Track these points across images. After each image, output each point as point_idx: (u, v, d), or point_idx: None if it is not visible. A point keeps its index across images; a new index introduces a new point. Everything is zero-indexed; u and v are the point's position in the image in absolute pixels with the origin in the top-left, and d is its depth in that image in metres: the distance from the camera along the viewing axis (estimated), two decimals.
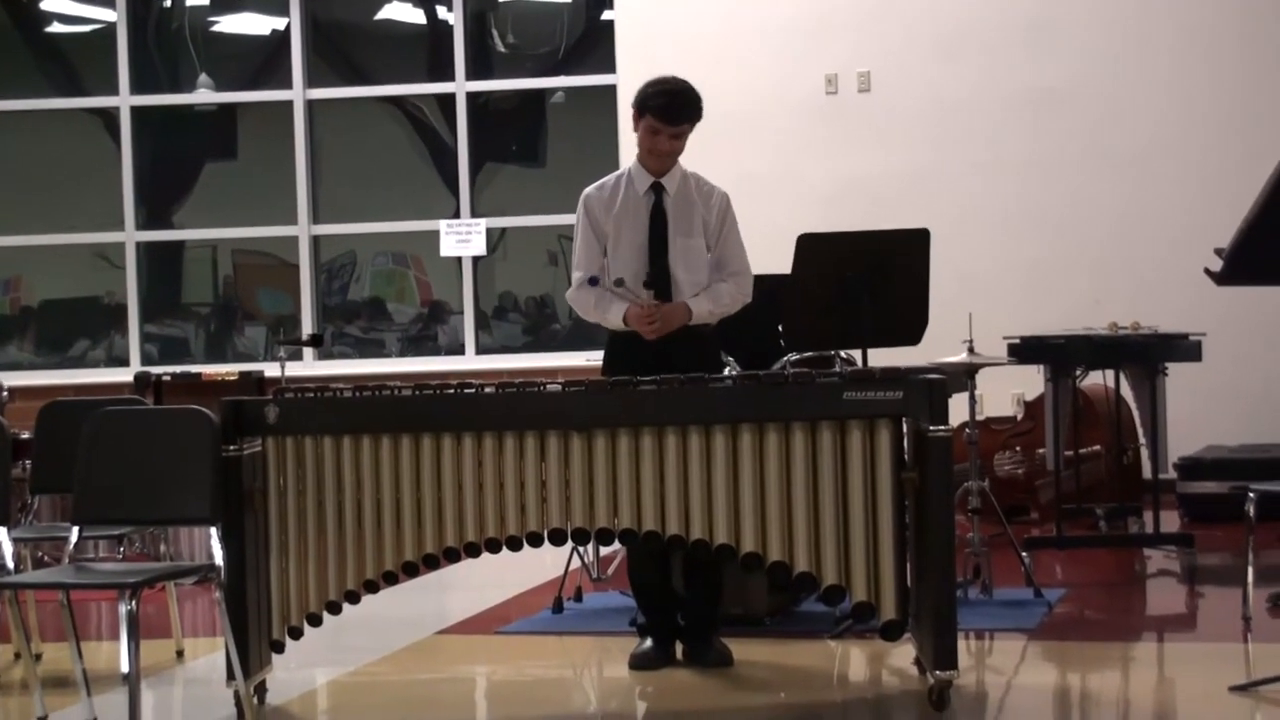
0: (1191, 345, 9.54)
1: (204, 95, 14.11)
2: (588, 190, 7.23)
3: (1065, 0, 12.48)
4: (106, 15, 13.91)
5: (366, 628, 7.76)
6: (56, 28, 14.47)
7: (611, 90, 12.84)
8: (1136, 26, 12.41)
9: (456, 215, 13.52)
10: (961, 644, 6.75)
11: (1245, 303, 10.55)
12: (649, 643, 7.14)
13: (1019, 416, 11.43)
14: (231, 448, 6.32)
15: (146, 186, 13.99)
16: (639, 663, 7.07)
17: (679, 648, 7.17)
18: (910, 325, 8.04)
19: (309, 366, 13.27)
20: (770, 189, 12.40)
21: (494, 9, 13.90)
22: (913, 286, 8.00)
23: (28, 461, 7.92)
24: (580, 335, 12.40)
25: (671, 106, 7.04)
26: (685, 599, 7.21)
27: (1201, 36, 12.32)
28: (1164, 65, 12.35)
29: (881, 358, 7.42)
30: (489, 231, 13.35)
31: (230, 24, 14.39)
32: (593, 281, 7.08)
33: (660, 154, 7.08)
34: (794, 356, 8.15)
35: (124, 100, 13.78)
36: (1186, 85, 12.32)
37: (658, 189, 7.12)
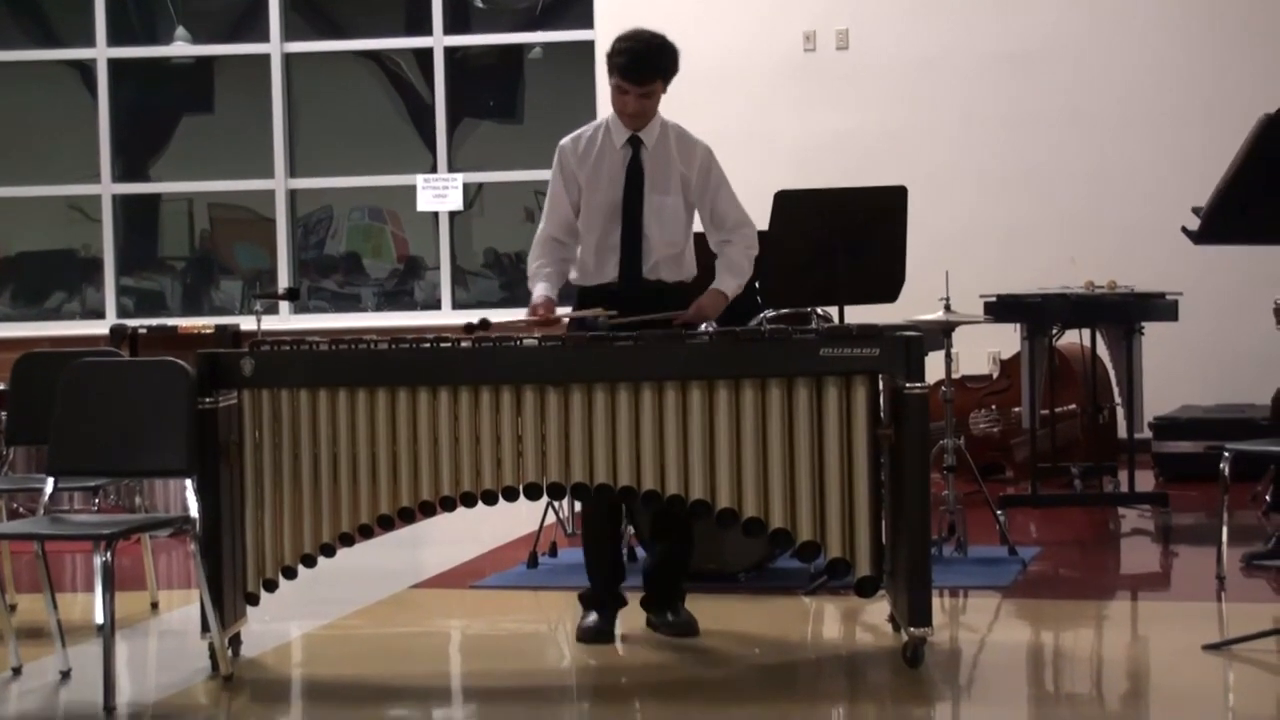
0: (1168, 305, 9.54)
1: (181, 48, 14.05)
2: (563, 141, 7.06)
3: None
4: None
5: (341, 581, 7.75)
6: None
7: (589, 46, 12.79)
8: None
9: (434, 170, 13.48)
10: (936, 601, 6.78)
11: (1222, 262, 10.55)
12: (594, 616, 6.94)
13: (995, 375, 11.44)
14: (207, 400, 6.31)
15: (123, 139, 13.93)
16: (589, 636, 6.87)
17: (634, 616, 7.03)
18: (887, 282, 8.04)
19: (285, 320, 13.24)
20: (746, 146, 12.35)
21: None
22: (890, 244, 8.00)
23: (3, 413, 7.91)
24: (560, 292, 12.33)
25: (634, 65, 6.80)
26: (654, 562, 7.09)
27: None
28: (1140, 23, 12.33)
29: (858, 315, 7.43)
30: (466, 187, 13.32)
31: None
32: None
33: (629, 114, 6.88)
34: (770, 313, 8.15)
35: (100, 52, 13.71)
36: (1162, 43, 12.30)
37: (635, 143, 6.94)
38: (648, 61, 6.82)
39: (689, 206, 6.99)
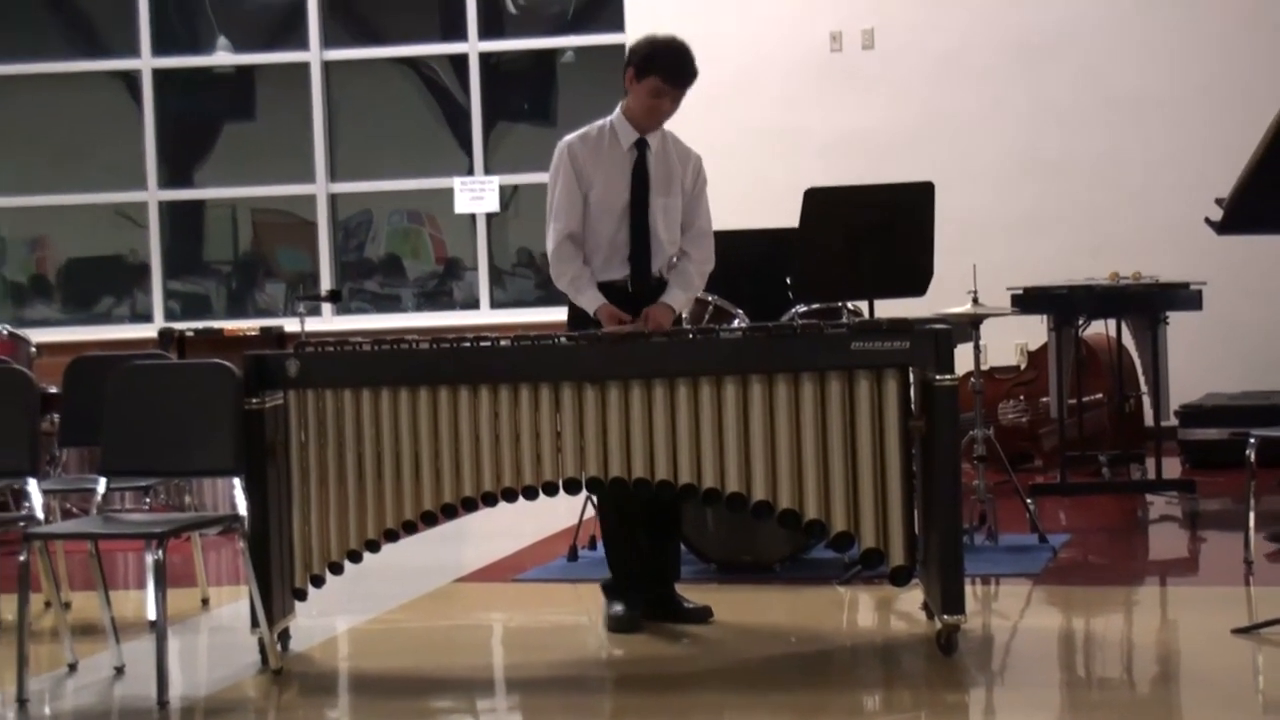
0: (1192, 294, 9.50)
1: (223, 57, 14.08)
2: (569, 139, 7.04)
3: None
4: None
5: (386, 576, 7.76)
6: None
7: (620, 49, 12.76)
8: None
9: (470, 173, 13.49)
10: (968, 589, 6.76)
11: (1245, 252, 10.52)
12: (620, 605, 6.93)
13: (1022, 366, 11.41)
14: (254, 401, 6.32)
15: (168, 147, 13.97)
16: (621, 625, 6.86)
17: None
18: (916, 277, 8.02)
19: (328, 322, 13.27)
20: (775, 144, 12.39)
21: None
22: (918, 238, 7.98)
23: (56, 415, 7.93)
24: None
25: (682, 68, 6.84)
26: (652, 550, 7.05)
27: None
28: (1163, 15, 12.29)
29: (888, 309, 7.40)
30: (501, 189, 13.33)
31: None
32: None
33: (661, 114, 6.91)
34: (802, 308, 8.13)
35: (145, 63, 13.76)
36: (1183, 33, 12.25)
37: (641, 145, 6.96)
38: (692, 66, 6.87)
39: (678, 207, 7.01)
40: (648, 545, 7.02)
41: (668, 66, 6.83)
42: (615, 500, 6.86)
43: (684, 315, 7.17)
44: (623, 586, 6.99)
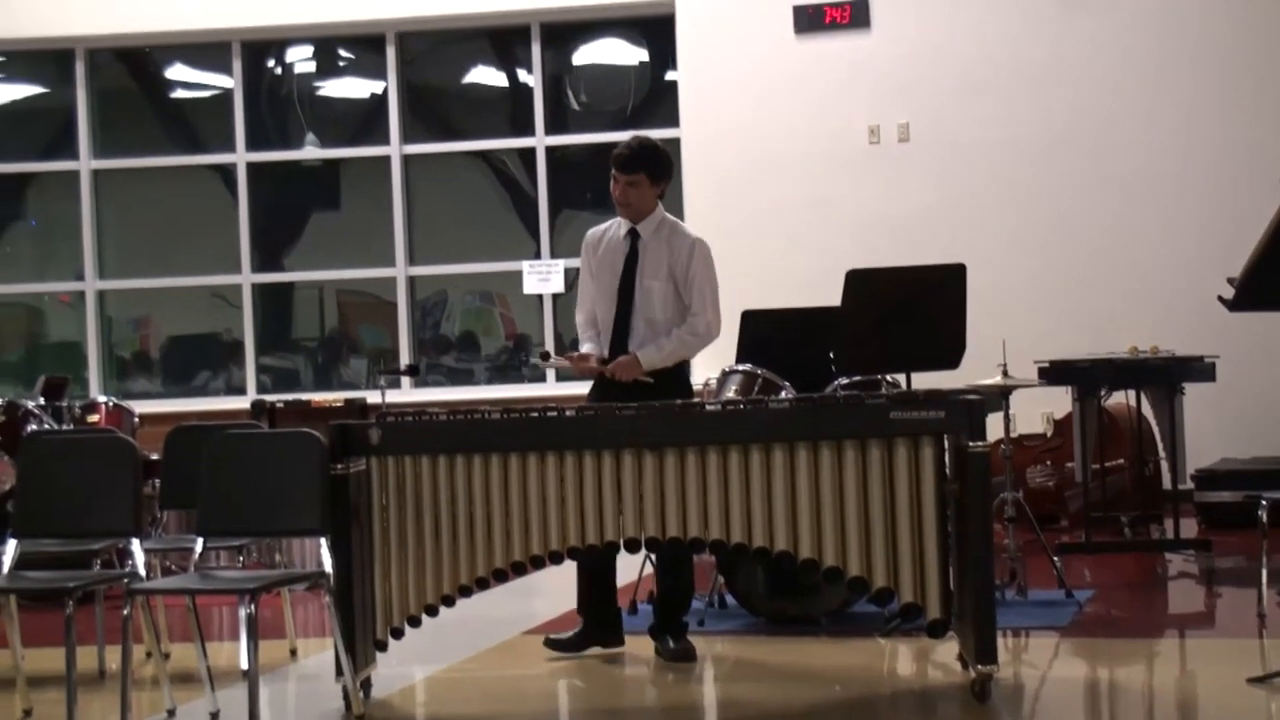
0: (1206, 366, 9.46)
1: (311, 152, 14.16)
2: (589, 233, 7.49)
3: (1080, 47, 12.39)
4: (224, 81, 14.00)
5: (461, 628, 7.74)
6: (180, 93, 14.55)
7: (675, 143, 12.80)
8: (1145, 62, 12.29)
9: (537, 256, 13.53)
10: (1000, 641, 6.69)
11: (1257, 327, 10.43)
12: (572, 631, 7.36)
13: (1049, 433, 11.35)
14: (339, 466, 6.33)
15: (260, 234, 14.05)
16: (555, 644, 7.33)
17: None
18: (950, 351, 7.97)
19: (406, 394, 13.30)
20: (815, 226, 12.38)
21: (569, 71, 13.92)
22: (951, 315, 7.93)
23: (157, 480, 7.95)
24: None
25: (623, 155, 7.22)
26: (659, 595, 7.31)
27: (1213, 70, 12.19)
28: (1174, 101, 12.24)
29: (924, 381, 7.37)
30: (566, 271, 13.34)
31: (334, 88, 14.45)
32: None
33: (620, 200, 7.25)
34: (844, 381, 8.10)
35: (240, 157, 13.86)
36: (1196, 121, 12.20)
37: (634, 235, 7.27)
38: (636, 155, 7.24)
39: (676, 293, 7.22)
40: (606, 592, 7.37)
41: (614, 154, 7.30)
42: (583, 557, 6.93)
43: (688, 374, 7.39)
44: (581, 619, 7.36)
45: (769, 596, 7.75)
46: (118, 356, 14.46)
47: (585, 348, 7.30)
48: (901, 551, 6.15)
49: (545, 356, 8.08)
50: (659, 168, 7.29)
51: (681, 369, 7.31)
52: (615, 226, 7.36)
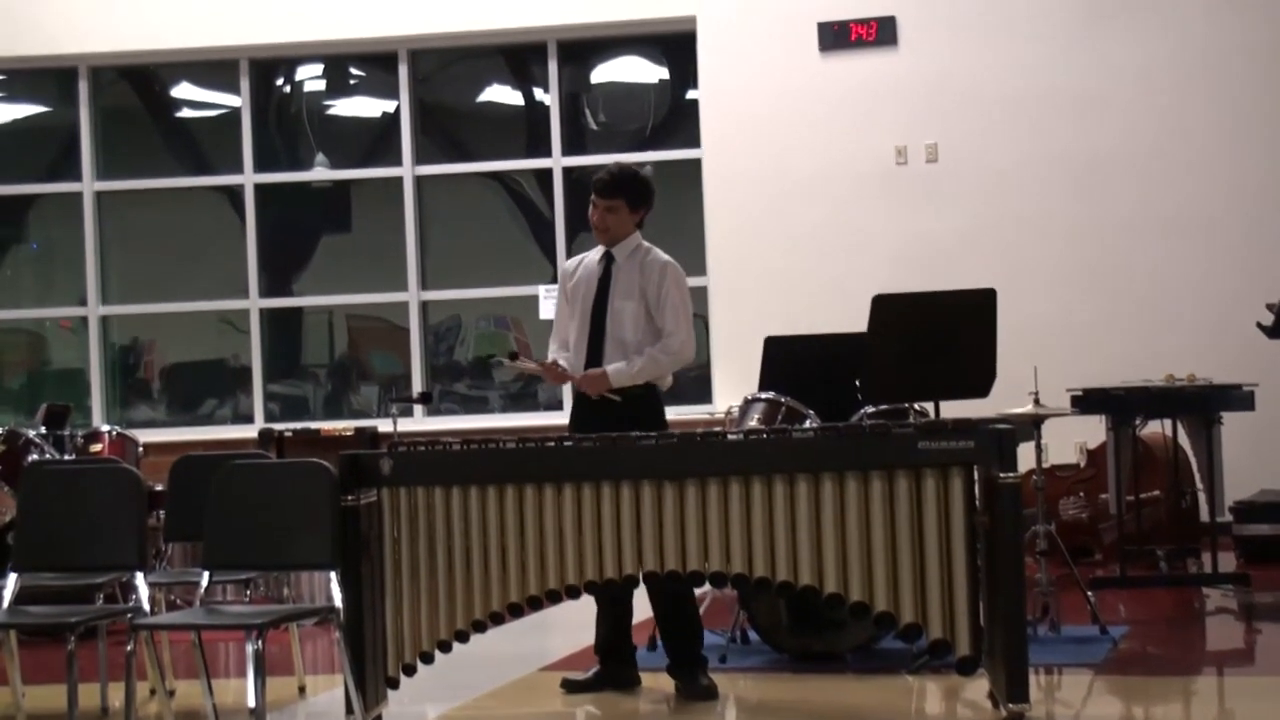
0: (1244, 395, 9.44)
1: (321, 173, 14.21)
2: (567, 260, 7.76)
3: (1112, 71, 12.40)
4: (231, 100, 14.04)
5: (475, 665, 7.74)
6: (186, 113, 14.60)
7: (696, 164, 12.84)
8: (1180, 91, 12.30)
9: (553, 281, 13.53)
10: (1032, 678, 6.68)
11: None
12: (592, 670, 7.41)
13: (1082, 464, 11.34)
14: (349, 498, 6.34)
15: (268, 257, 14.08)
16: (570, 685, 7.40)
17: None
18: (979, 379, 7.97)
19: (419, 422, 13.31)
20: (841, 250, 12.39)
21: (587, 90, 13.95)
22: (981, 342, 7.94)
23: (161, 512, 7.97)
24: (670, 391, 12.37)
25: (601, 180, 7.44)
26: (662, 632, 7.39)
27: (1247, 98, 12.21)
28: (1209, 128, 12.25)
29: (953, 410, 7.37)
30: None
31: (344, 107, 14.50)
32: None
33: (596, 224, 7.45)
34: (870, 409, 8.11)
35: (248, 178, 13.90)
36: (1237, 146, 12.20)
37: (608, 258, 7.45)
38: (616, 181, 7.44)
39: (648, 315, 7.36)
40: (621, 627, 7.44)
41: (594, 178, 7.50)
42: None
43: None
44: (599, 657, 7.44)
45: (793, 632, 7.74)
46: (120, 384, 14.49)
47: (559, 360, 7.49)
48: (930, 586, 6.15)
49: (514, 357, 8.11)
50: (637, 194, 7.47)
51: (653, 393, 7.41)
52: (592, 254, 7.57)
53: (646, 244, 7.52)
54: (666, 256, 7.48)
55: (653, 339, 7.33)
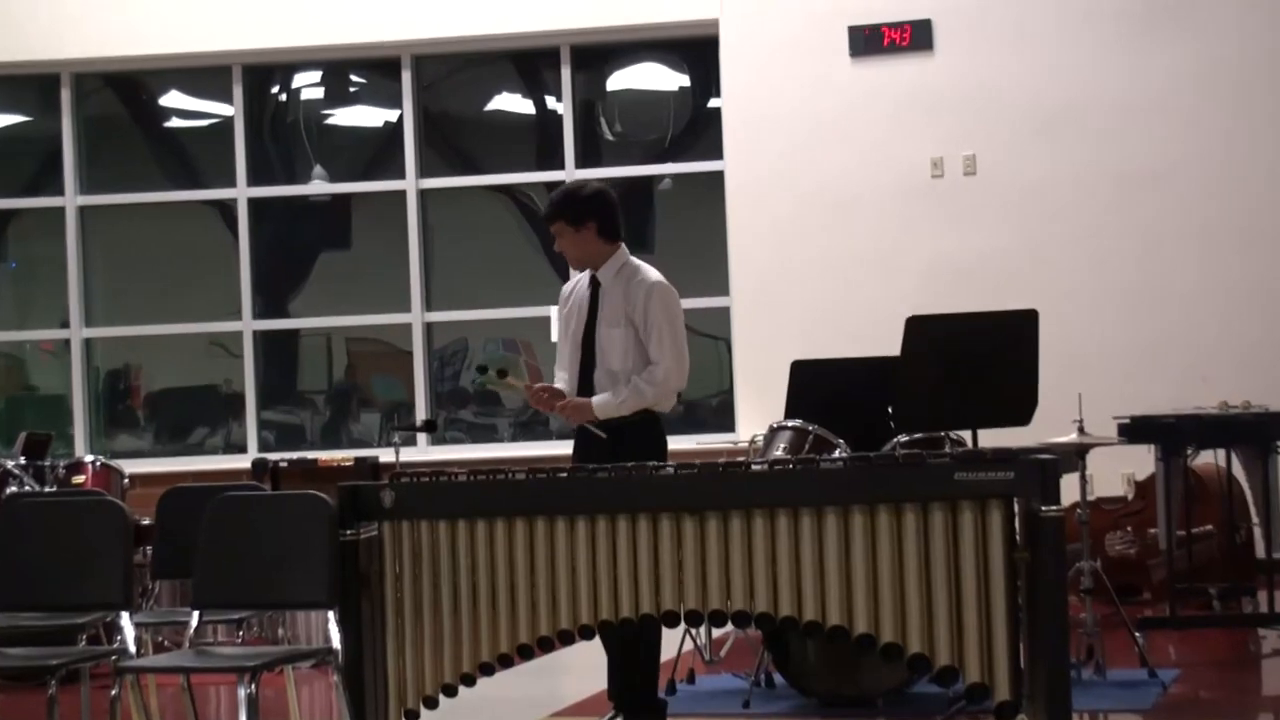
0: None
1: (318, 186, 14.25)
2: (566, 285, 7.78)
3: (1160, 81, 12.42)
4: (224, 110, 14.10)
5: (482, 710, 7.73)
6: (175, 123, 14.67)
7: (719, 176, 12.86)
8: (1233, 105, 12.32)
9: None
10: None
11: None
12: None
13: (1130, 496, 11.33)
14: (348, 532, 6.34)
15: (263, 276, 14.12)
16: None
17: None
18: (1020, 406, 7.98)
19: (423, 452, 13.34)
20: (875, 268, 12.40)
21: (602, 98, 13.98)
22: (1022, 367, 7.95)
23: (149, 547, 7.98)
24: (691, 419, 12.42)
25: (546, 205, 7.58)
26: (622, 676, 7.38)
27: None
28: (1263, 143, 12.26)
29: (992, 438, 7.37)
30: None
31: (343, 117, 14.56)
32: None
33: (564, 252, 7.57)
34: (904, 438, 8.11)
35: (241, 192, 13.95)
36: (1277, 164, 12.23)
37: (595, 282, 7.51)
38: (551, 205, 7.55)
39: (637, 341, 7.40)
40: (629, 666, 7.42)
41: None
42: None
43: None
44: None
45: (821, 675, 7.74)
46: (105, 411, 14.53)
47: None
48: (967, 626, 6.13)
49: (502, 374, 8.02)
50: (574, 211, 7.41)
51: (650, 424, 7.41)
52: (585, 276, 7.63)
53: (635, 262, 7.53)
54: (655, 276, 7.48)
55: (644, 366, 7.37)
